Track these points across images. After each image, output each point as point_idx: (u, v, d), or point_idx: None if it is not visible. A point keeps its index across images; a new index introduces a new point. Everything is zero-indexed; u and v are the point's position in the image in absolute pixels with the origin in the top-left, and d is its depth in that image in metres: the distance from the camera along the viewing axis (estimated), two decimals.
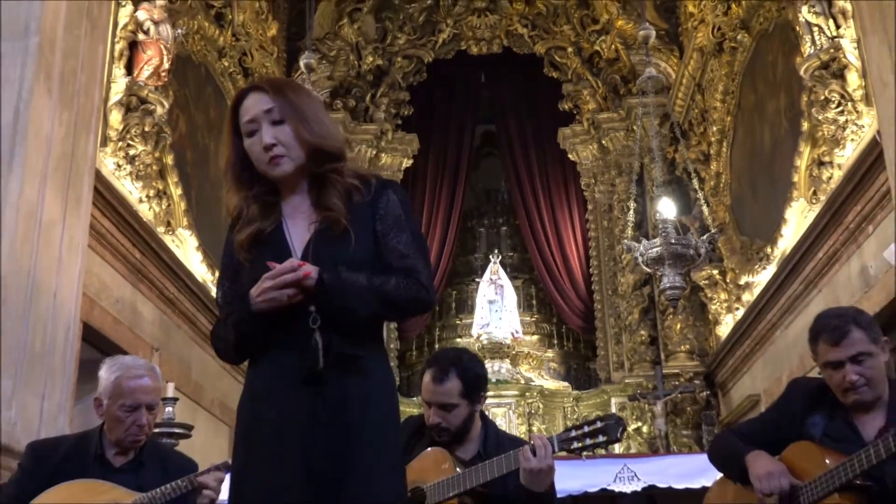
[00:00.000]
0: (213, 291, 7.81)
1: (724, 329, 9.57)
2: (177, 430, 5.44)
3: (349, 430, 1.92)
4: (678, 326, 10.21)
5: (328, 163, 2.06)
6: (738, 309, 9.15)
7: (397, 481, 2.00)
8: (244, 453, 1.98)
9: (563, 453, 2.73)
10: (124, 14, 6.70)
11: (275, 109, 2.03)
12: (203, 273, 7.89)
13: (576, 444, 2.63)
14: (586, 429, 2.65)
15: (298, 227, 2.06)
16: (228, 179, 2.12)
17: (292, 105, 2.05)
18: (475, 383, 2.99)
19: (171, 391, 5.57)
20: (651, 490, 3.94)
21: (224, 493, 2.89)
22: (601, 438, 2.62)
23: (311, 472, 1.87)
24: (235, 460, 2.02)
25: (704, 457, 3.64)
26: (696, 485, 3.85)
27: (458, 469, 2.82)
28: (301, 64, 7.80)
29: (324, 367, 1.91)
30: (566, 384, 11.05)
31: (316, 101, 2.18)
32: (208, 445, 7.15)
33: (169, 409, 5.49)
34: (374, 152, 11.33)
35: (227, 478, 2.82)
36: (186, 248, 7.60)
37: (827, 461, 2.52)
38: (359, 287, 1.96)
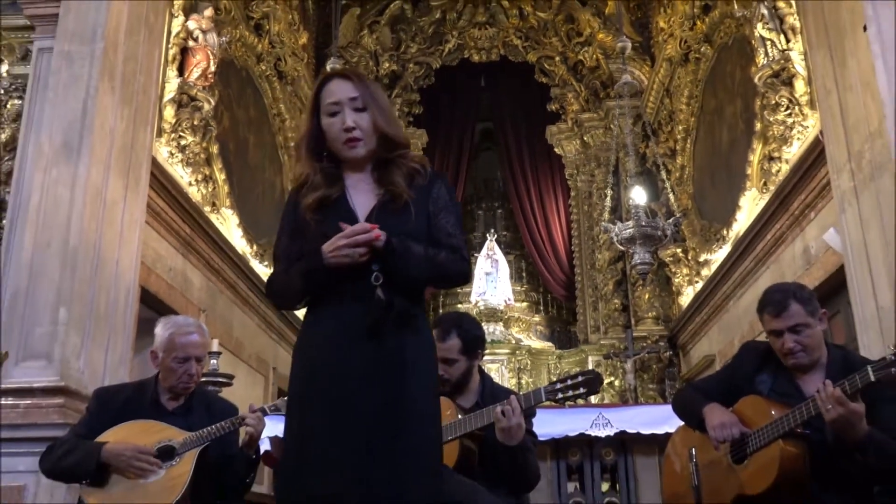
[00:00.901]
0: (252, 262, 7.91)
1: (686, 299, 9.57)
2: (220, 380, 5.46)
3: (404, 379, 1.88)
4: (646, 296, 10.22)
5: (395, 150, 2.04)
6: (697, 282, 9.15)
7: (437, 423, 2.00)
8: (304, 393, 1.92)
9: (549, 402, 2.73)
10: (177, 23, 6.66)
11: (358, 98, 2.01)
12: (243, 246, 7.89)
13: (560, 395, 2.63)
14: (569, 382, 2.65)
15: (361, 198, 2.02)
16: (301, 149, 2.08)
17: (373, 97, 2.03)
18: (473, 343, 2.99)
19: (215, 346, 5.57)
20: (622, 434, 3.95)
21: (266, 432, 2.92)
22: (582, 390, 2.62)
23: (368, 414, 1.83)
24: (292, 398, 1.96)
25: (667, 407, 3.64)
26: (660, 431, 3.85)
27: (459, 415, 2.82)
28: (328, 68, 7.75)
29: (385, 322, 1.88)
30: (550, 344, 11.07)
31: (383, 93, 2.15)
32: (247, 393, 7.18)
33: (214, 361, 5.50)
34: None
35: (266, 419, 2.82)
36: (229, 225, 7.59)
37: (773, 412, 2.52)
38: (418, 254, 1.93)
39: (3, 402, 4.10)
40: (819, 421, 2.41)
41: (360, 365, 1.87)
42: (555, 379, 2.93)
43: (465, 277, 2.10)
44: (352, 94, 2.00)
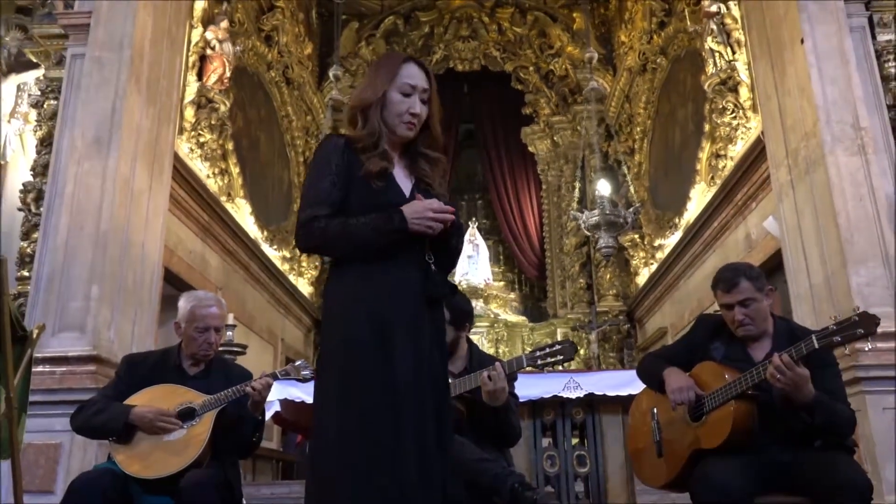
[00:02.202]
0: (262, 246, 7.80)
1: (642, 279, 9.57)
2: (235, 349, 5.42)
3: (442, 341, 1.90)
4: (608, 276, 10.20)
5: (432, 148, 2.00)
6: (652, 264, 9.14)
7: None
8: (374, 339, 1.78)
9: (530, 367, 2.68)
10: (196, 34, 6.54)
11: (427, 92, 1.96)
12: (255, 232, 7.79)
13: (539, 361, 2.59)
14: (548, 350, 2.61)
15: (400, 177, 1.95)
16: (371, 112, 1.93)
17: (435, 97, 2.00)
18: (460, 315, 2.92)
19: (230, 320, 5.51)
20: (590, 396, 3.92)
21: (275, 395, 2.84)
22: (559, 357, 2.58)
23: (422, 361, 1.79)
24: (354, 341, 1.79)
25: (630, 373, 3.61)
26: (623, 393, 3.83)
27: (450, 380, 2.77)
28: (330, 75, 7.63)
29: (437, 291, 1.87)
30: (524, 318, 11.03)
31: None
32: (258, 361, 7.11)
33: (229, 333, 5.45)
34: None
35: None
36: (242, 213, 7.49)
37: (726, 376, 2.47)
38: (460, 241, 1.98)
39: (41, 370, 4.01)
40: (767, 384, 2.37)
41: (428, 325, 1.84)
42: (528, 348, 2.88)
43: None
44: (426, 86, 1.96)
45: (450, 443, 1.82)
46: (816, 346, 2.24)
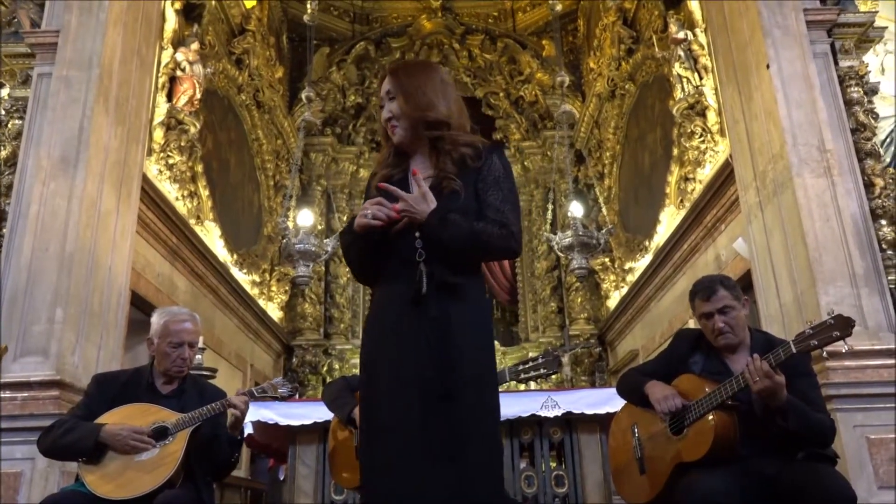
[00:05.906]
0: (232, 269, 7.68)
1: (613, 302, 9.64)
2: (205, 373, 5.29)
3: (452, 346, 1.74)
4: (579, 300, 10.26)
5: (434, 129, 1.94)
6: (623, 287, 9.22)
7: (492, 389, 1.83)
8: (370, 372, 1.84)
9: (513, 381, 2.66)
10: (166, 55, 6.50)
11: (391, 90, 1.98)
12: (224, 255, 7.69)
13: (523, 375, 2.57)
14: (531, 363, 2.59)
15: (422, 181, 1.89)
16: (382, 135, 2.08)
17: (400, 86, 1.97)
18: None
19: (200, 342, 5.40)
20: (568, 415, 3.90)
21: (250, 417, 2.77)
22: (542, 371, 2.56)
23: (422, 380, 1.71)
24: (361, 367, 1.89)
25: (608, 390, 3.60)
26: (601, 411, 3.82)
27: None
28: (303, 97, 7.62)
29: (427, 292, 1.76)
30: (496, 342, 10.91)
31: (424, 78, 2.00)
32: (227, 386, 6.90)
33: (199, 356, 5.32)
34: (355, 168, 11.19)
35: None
36: (211, 236, 7.39)
37: (706, 388, 2.48)
38: (458, 227, 1.80)
39: (2, 395, 3.88)
40: (746, 394, 2.38)
41: (409, 332, 1.76)
42: (519, 360, 2.86)
43: (512, 252, 1.92)
44: (387, 88, 2.00)
45: (457, 449, 1.68)
46: (794, 350, 2.26)
